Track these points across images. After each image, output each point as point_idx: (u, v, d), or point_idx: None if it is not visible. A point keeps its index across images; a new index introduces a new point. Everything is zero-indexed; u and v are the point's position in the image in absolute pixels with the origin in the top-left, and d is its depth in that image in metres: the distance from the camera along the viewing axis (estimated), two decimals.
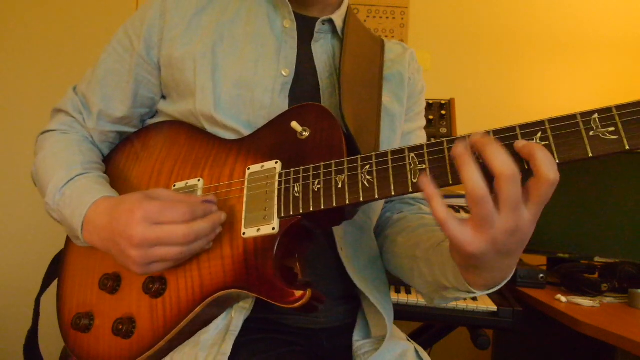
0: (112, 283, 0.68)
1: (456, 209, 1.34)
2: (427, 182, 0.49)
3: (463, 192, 1.52)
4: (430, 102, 1.62)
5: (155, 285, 0.64)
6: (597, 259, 1.38)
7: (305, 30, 0.79)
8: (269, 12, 0.79)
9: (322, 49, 0.80)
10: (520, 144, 0.48)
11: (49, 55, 1.95)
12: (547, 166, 0.46)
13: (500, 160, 0.46)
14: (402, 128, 0.85)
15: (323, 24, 0.80)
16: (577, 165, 1.44)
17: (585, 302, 1.18)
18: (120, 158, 0.80)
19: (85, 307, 0.70)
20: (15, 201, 1.88)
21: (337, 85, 0.77)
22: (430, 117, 1.60)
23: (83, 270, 0.73)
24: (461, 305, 1.17)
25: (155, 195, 0.62)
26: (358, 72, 0.77)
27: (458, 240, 0.49)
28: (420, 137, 0.90)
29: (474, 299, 1.20)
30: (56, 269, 0.80)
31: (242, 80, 0.72)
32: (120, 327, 0.64)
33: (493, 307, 1.16)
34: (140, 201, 0.60)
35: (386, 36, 1.94)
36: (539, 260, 1.55)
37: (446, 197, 1.39)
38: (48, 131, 0.80)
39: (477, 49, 1.93)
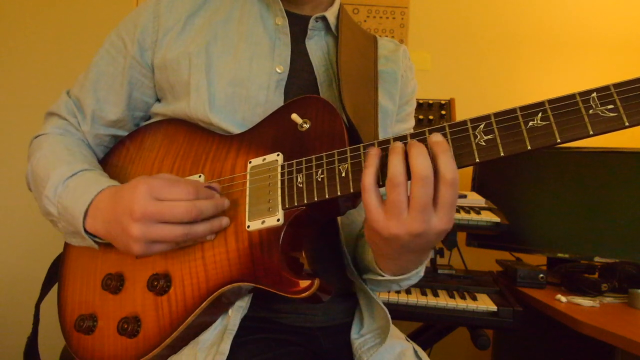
0: (115, 283, 0.67)
1: (456, 209, 1.33)
2: (375, 153, 0.54)
3: (464, 192, 1.51)
4: (430, 102, 1.62)
5: (159, 282, 0.64)
6: (597, 259, 1.38)
7: (298, 28, 0.79)
8: (262, 12, 0.79)
9: (317, 46, 0.80)
10: (432, 139, 0.52)
11: (50, 55, 1.94)
12: (445, 165, 0.49)
13: (418, 161, 0.50)
14: (393, 128, 0.85)
15: (316, 21, 0.80)
16: (576, 165, 1.44)
17: (585, 302, 1.18)
18: (116, 160, 0.80)
19: (88, 309, 0.70)
20: (15, 203, 1.88)
21: (334, 78, 0.78)
22: (430, 117, 1.60)
23: (84, 272, 0.73)
24: (461, 305, 1.17)
25: (160, 176, 0.62)
26: (354, 67, 0.78)
27: (370, 212, 0.53)
28: None
29: (474, 298, 1.21)
30: (55, 274, 0.79)
31: (236, 78, 0.73)
32: (126, 326, 0.64)
33: (493, 307, 1.16)
34: (145, 178, 0.60)
35: (386, 36, 1.94)
36: (539, 260, 1.55)
37: None
38: (42, 134, 0.79)
39: (477, 49, 1.93)
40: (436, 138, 0.51)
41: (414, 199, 0.50)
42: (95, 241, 0.67)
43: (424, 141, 0.53)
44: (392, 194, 0.51)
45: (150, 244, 0.59)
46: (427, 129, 0.54)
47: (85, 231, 0.66)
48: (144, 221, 0.57)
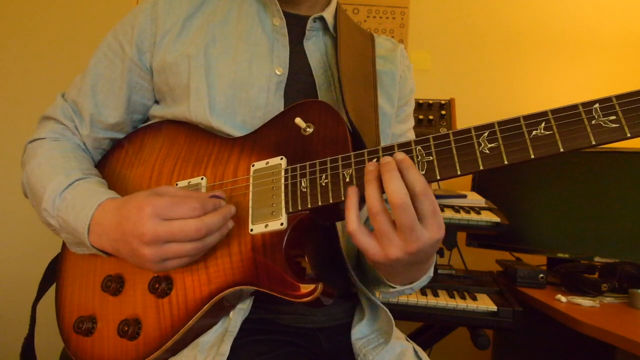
0: (115, 285, 0.67)
1: (456, 209, 1.34)
2: (352, 194, 0.55)
3: (464, 192, 1.50)
4: (430, 102, 1.62)
5: (161, 285, 0.64)
6: (597, 259, 1.38)
7: (296, 29, 0.79)
8: (259, 12, 0.79)
9: (315, 47, 0.80)
10: (396, 157, 0.53)
11: (53, 55, 1.94)
12: (413, 180, 0.51)
13: (392, 188, 0.51)
14: (393, 129, 0.85)
15: (314, 22, 0.79)
16: (576, 165, 1.44)
17: (585, 302, 1.18)
18: (114, 163, 0.79)
19: (87, 311, 0.69)
20: (13, 202, 1.87)
21: (332, 81, 0.78)
22: (430, 117, 1.59)
23: (83, 273, 0.72)
24: (461, 305, 1.17)
25: (163, 192, 0.61)
26: (353, 68, 0.77)
27: (366, 250, 0.55)
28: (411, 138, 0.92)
29: (474, 298, 1.21)
30: (53, 274, 0.79)
31: (236, 80, 0.72)
32: (126, 328, 0.64)
33: (493, 307, 1.16)
34: (149, 197, 0.59)
35: (386, 36, 1.94)
36: (539, 260, 1.55)
37: (447, 197, 1.39)
38: (37, 139, 0.78)
39: (477, 48, 1.93)
40: (398, 157, 0.53)
41: (399, 225, 0.52)
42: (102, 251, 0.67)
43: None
44: (375, 223, 0.53)
45: (164, 262, 0.59)
46: (432, 136, 0.55)
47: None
48: (155, 243, 0.57)
